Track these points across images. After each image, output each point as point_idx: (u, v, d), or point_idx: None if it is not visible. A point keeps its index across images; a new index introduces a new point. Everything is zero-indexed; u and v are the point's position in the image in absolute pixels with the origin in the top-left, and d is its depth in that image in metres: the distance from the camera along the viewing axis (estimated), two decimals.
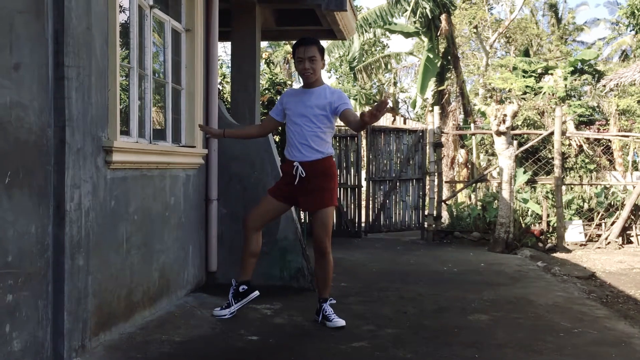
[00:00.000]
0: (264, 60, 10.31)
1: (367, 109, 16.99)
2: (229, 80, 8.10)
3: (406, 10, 15.54)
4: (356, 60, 19.94)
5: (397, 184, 9.75)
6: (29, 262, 2.75)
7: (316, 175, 3.87)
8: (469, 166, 14.10)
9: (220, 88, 9.35)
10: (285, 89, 8.57)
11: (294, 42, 3.99)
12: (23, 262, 2.70)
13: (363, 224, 9.69)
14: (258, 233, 4.06)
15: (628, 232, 9.10)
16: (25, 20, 2.71)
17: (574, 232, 9.08)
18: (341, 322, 3.88)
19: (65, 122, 2.91)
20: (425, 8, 15.19)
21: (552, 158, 9.51)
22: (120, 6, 3.69)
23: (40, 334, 2.84)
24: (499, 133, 8.22)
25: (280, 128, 9.04)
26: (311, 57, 3.82)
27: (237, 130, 4.71)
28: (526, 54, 18.16)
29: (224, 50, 18.34)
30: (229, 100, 6.99)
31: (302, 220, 8.15)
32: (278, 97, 7.70)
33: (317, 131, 3.89)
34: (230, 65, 6.78)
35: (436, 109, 10.02)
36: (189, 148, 4.64)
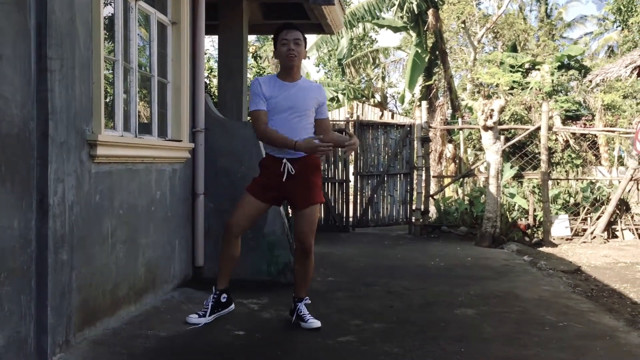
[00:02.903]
0: (251, 54, 10.27)
1: (355, 103, 16.91)
2: (216, 74, 8.05)
3: (394, 5, 15.51)
4: (344, 55, 19.91)
5: (385, 178, 9.75)
6: (12, 257, 2.71)
7: (306, 171, 3.71)
8: (457, 161, 14.14)
9: (208, 82, 9.30)
10: None
11: None
12: (5, 257, 2.66)
13: (351, 219, 9.68)
14: (239, 238, 3.84)
15: (613, 226, 9.18)
16: (6, 12, 2.66)
17: (560, 226, 9.15)
18: (317, 324, 3.73)
19: (49, 115, 2.87)
20: (412, 3, 15.17)
21: (539, 153, 9.56)
22: None
23: (23, 330, 2.80)
24: (486, 128, 8.24)
25: None
26: (296, 39, 3.68)
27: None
28: (514, 49, 18.20)
29: (211, 44, 18.23)
30: (217, 94, 6.95)
31: (290, 215, 8.13)
32: None
33: (308, 127, 3.73)
34: (217, 59, 6.74)
35: (424, 103, 10.03)
36: (175, 142, 4.60)
